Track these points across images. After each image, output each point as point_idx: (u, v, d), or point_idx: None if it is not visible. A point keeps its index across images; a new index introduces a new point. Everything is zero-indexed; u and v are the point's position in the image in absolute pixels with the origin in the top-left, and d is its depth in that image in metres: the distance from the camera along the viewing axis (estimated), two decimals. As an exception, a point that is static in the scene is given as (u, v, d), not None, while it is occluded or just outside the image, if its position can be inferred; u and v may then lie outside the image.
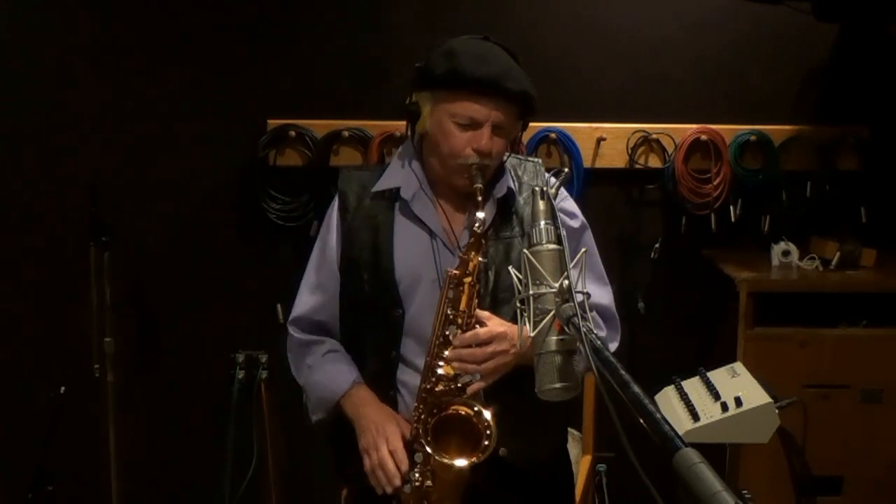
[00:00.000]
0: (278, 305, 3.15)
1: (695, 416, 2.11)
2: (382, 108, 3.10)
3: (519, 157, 2.07)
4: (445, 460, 1.80)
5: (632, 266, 3.28)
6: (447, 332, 1.85)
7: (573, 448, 2.50)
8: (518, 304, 1.42)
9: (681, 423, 2.11)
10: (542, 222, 1.48)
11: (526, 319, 1.38)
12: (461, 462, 1.79)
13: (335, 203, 2.03)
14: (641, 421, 1.04)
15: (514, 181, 2.00)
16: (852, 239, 3.06)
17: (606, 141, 3.18)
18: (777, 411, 2.09)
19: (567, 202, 2.04)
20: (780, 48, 3.21)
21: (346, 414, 1.95)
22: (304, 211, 3.19)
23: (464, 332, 1.85)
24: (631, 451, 1.05)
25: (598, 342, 1.20)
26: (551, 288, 1.38)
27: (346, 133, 3.17)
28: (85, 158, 3.19)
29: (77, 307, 3.12)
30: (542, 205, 1.51)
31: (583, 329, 1.24)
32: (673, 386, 2.30)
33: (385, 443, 1.85)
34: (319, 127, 3.17)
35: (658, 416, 1.03)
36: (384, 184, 1.99)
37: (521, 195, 1.99)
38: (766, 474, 2.75)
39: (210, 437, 3.28)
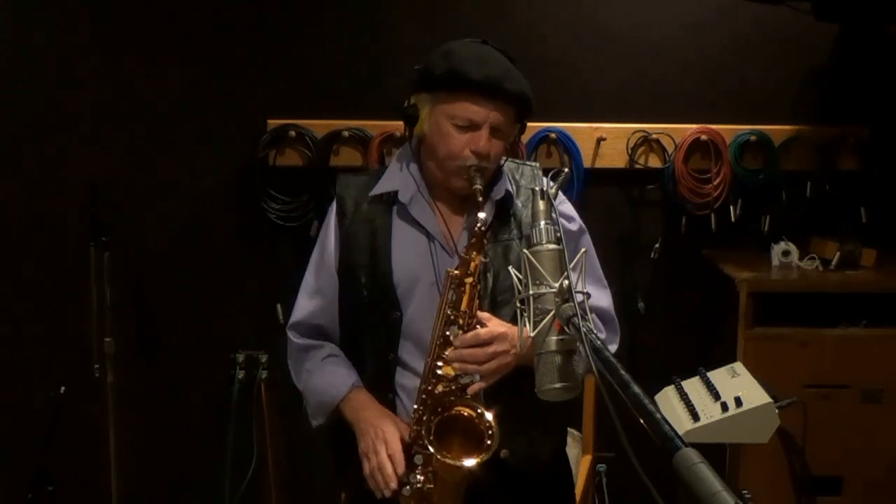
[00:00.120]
0: (278, 305, 3.15)
1: (695, 416, 2.12)
2: (382, 108, 3.09)
3: (516, 161, 2.07)
4: (449, 461, 1.79)
5: (632, 266, 3.28)
6: (448, 333, 1.84)
7: (573, 448, 2.50)
8: (518, 304, 1.42)
9: (681, 423, 2.11)
10: (542, 222, 1.48)
11: (526, 319, 1.38)
12: (470, 462, 1.78)
13: (333, 208, 2.03)
14: (641, 421, 1.04)
15: (511, 184, 2.00)
16: (852, 239, 3.06)
17: (606, 141, 3.18)
18: (777, 411, 2.10)
19: (565, 205, 2.04)
20: (780, 48, 3.21)
21: (346, 418, 1.95)
22: (304, 211, 3.19)
23: (465, 332, 1.84)
24: (631, 451, 1.05)
25: (598, 342, 1.20)
26: (551, 288, 1.38)
27: (346, 133, 3.17)
28: (85, 158, 3.19)
29: (77, 307, 3.12)
30: (541, 205, 1.51)
31: (583, 329, 1.24)
32: (673, 386, 2.30)
33: (384, 446, 1.84)
34: (319, 127, 3.17)
35: (658, 416, 1.03)
36: (382, 187, 1.99)
37: (519, 198, 1.99)
38: (766, 474, 2.75)
39: (210, 437, 3.28)
